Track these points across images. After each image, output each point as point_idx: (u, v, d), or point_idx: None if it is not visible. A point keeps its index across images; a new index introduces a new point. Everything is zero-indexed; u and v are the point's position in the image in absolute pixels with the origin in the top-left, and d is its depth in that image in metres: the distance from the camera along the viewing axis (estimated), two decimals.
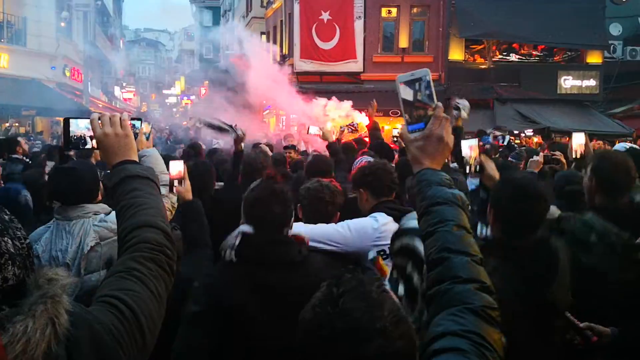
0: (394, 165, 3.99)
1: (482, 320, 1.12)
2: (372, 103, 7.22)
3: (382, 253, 2.55)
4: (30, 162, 6.38)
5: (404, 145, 1.63)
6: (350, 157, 5.45)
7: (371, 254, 2.56)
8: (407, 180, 3.47)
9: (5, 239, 1.03)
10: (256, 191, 2.26)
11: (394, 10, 18.42)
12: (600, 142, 13.90)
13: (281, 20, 20.36)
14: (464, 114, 4.81)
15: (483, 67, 18.42)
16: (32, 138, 15.49)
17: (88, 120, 1.63)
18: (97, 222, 2.49)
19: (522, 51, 18.81)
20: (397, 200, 3.14)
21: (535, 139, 14.52)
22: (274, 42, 21.69)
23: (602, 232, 2.45)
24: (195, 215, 2.89)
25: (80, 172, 2.60)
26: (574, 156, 3.68)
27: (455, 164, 4.79)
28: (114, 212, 1.81)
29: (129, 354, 1.15)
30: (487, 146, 7.31)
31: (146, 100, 64.97)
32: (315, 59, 17.86)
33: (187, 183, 2.89)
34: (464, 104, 4.89)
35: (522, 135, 14.32)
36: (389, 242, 2.13)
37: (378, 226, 2.75)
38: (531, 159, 4.84)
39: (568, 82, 18.32)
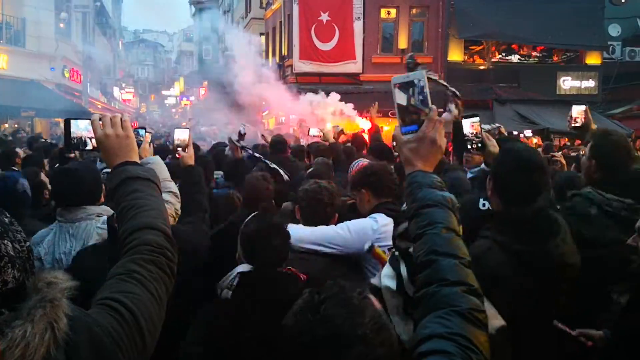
0: (394, 165, 3.96)
1: (468, 323, 1.12)
2: (374, 106, 7.21)
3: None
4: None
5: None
6: (351, 159, 5.43)
7: (366, 245, 2.57)
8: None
9: (5, 241, 1.03)
10: (254, 225, 2.27)
11: (393, 11, 18.41)
12: None
13: (280, 21, 20.36)
14: (455, 111, 4.77)
15: (482, 68, 18.42)
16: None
17: (89, 121, 1.63)
18: (100, 224, 2.48)
19: (521, 52, 18.83)
20: (397, 202, 3.13)
21: (535, 140, 14.52)
22: (273, 43, 21.73)
23: (602, 203, 2.43)
24: (196, 179, 2.99)
25: (81, 173, 2.59)
26: (573, 124, 3.63)
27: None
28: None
29: (129, 357, 1.15)
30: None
31: (145, 101, 65.02)
32: (315, 60, 17.83)
33: (191, 149, 3.07)
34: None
35: (522, 136, 14.31)
36: (389, 243, 2.11)
37: (378, 227, 2.73)
38: None
39: (567, 83, 18.33)
